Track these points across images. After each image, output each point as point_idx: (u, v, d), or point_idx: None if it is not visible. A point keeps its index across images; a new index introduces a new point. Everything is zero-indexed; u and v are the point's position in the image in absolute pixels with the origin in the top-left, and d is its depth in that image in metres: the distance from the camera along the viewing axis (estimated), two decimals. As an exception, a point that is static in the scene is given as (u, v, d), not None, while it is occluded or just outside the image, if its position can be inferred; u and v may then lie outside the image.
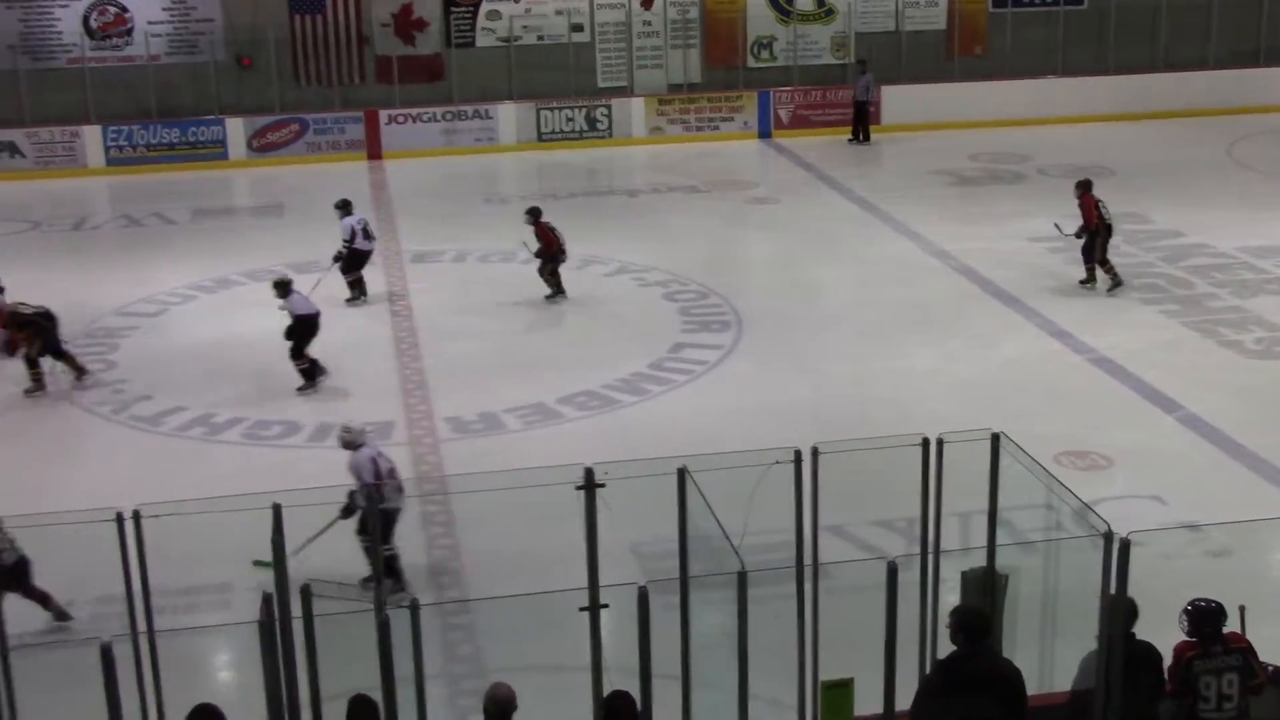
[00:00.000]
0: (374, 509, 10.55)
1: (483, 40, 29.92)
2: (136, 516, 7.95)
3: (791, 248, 22.14)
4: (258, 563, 11.20)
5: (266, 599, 7.23)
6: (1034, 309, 18.48)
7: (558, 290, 19.35)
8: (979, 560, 8.68)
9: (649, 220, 23.87)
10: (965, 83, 30.57)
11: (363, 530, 11.27)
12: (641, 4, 30.23)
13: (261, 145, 28.63)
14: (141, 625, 8.17)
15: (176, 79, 28.88)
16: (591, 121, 29.54)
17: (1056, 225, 18.97)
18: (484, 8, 29.77)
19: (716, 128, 29.95)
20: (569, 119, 29.48)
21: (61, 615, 11.24)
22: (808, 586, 8.54)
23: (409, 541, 11.99)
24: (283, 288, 16.47)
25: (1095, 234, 19.00)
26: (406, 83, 29.41)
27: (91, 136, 28.07)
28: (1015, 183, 25.74)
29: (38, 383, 16.40)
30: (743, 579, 7.04)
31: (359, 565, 7.91)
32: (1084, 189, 19.17)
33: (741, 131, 29.81)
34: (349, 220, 19.58)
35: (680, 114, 29.96)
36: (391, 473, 11.88)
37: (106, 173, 27.92)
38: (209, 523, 11.10)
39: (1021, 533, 10.37)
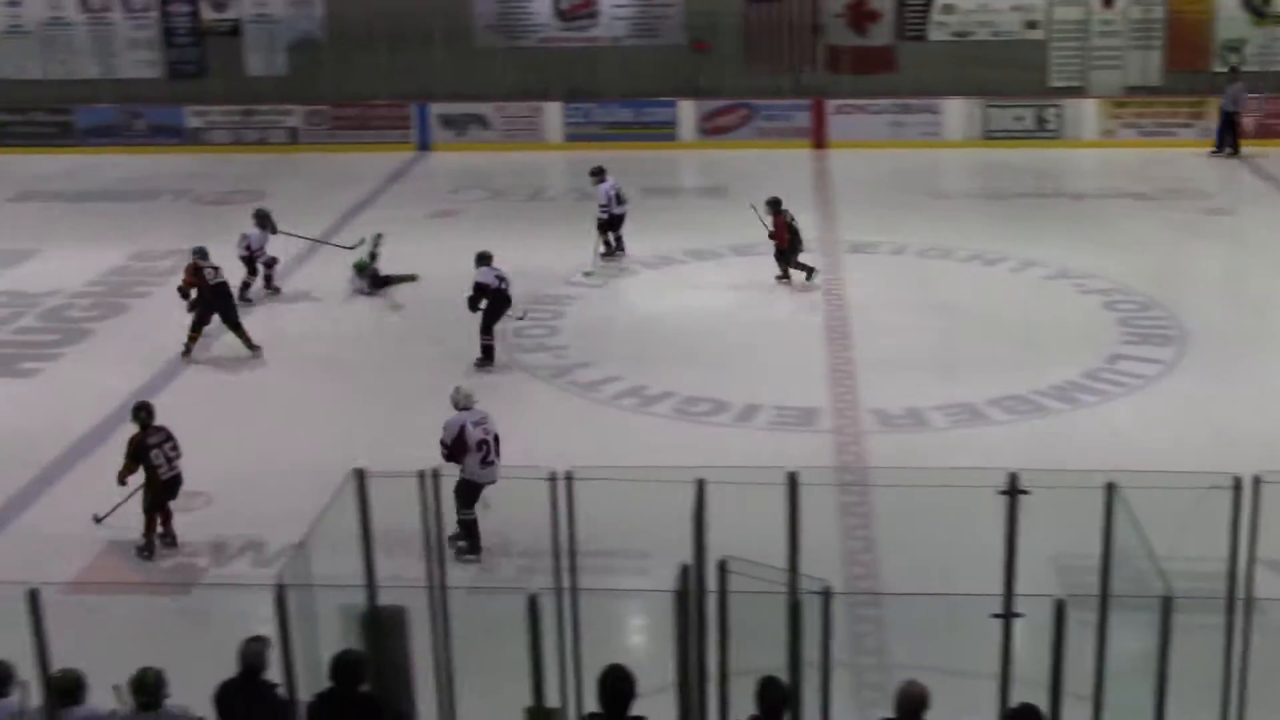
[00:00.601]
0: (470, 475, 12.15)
1: (934, 34, 29.62)
2: (569, 477, 8.32)
3: (1247, 263, 21.01)
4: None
5: (684, 570, 7.44)
6: None
7: (794, 276, 19.83)
8: None
9: (1093, 226, 23.11)
10: None
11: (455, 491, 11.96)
12: (1102, 3, 29.22)
13: (711, 128, 29.31)
14: (566, 582, 8.55)
15: (635, 60, 29.90)
16: (1041, 121, 28.80)
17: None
18: (938, 1, 29.47)
19: (1173, 134, 28.63)
20: (1017, 117, 28.85)
21: None
22: (1238, 620, 8.13)
23: (826, 529, 12.07)
24: (481, 259, 17.12)
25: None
26: (856, 73, 29.46)
27: (553, 113, 29.50)
28: None
29: (187, 348, 17.25)
30: (1167, 604, 6.78)
31: (776, 548, 8.07)
32: None
33: (1201, 139, 28.34)
34: (604, 186, 20.71)
35: (1136, 118, 28.83)
36: (481, 444, 12.26)
37: (563, 147, 29.23)
38: (635, 491, 11.50)
39: None
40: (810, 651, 7.11)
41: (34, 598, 6.93)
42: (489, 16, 30.19)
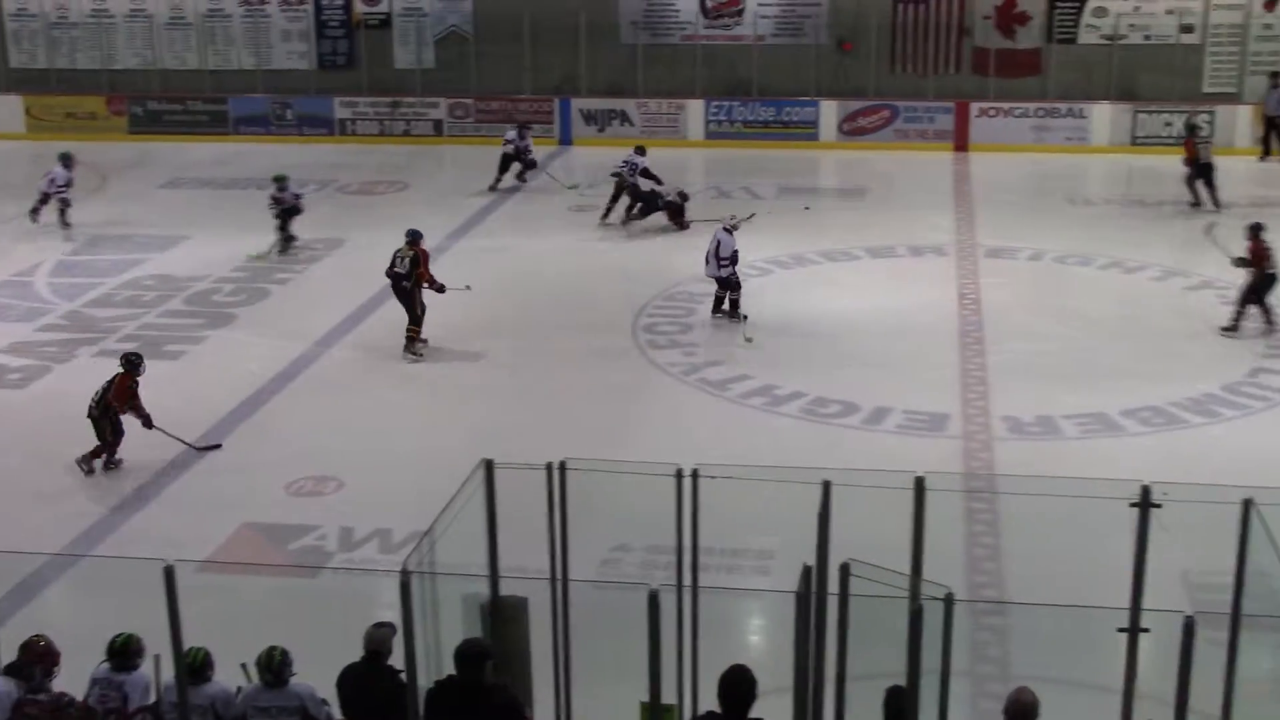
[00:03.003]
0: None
1: (1085, 37, 29.10)
2: (695, 475, 8.34)
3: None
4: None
5: (807, 571, 7.42)
6: None
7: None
8: None
9: (1242, 236, 22.50)
10: None
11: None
12: (1264, 6, 28.47)
13: (851, 129, 29.13)
14: (687, 579, 8.57)
15: (778, 59, 29.82)
16: (1192, 128, 28.14)
17: None
18: (1090, 4, 28.94)
19: (1333, 143, 27.82)
20: (1167, 124, 28.22)
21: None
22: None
23: (952, 535, 11.96)
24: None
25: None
26: (1002, 76, 29.07)
27: (694, 110, 29.54)
28: None
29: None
30: (1301, 625, 6.62)
31: (900, 552, 8.09)
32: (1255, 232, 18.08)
33: (1365, 150, 27.50)
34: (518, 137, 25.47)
35: (1292, 125, 28.04)
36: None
37: (704, 145, 29.24)
38: (760, 490, 11.49)
39: None
40: (930, 658, 7.05)
41: (169, 575, 7.12)
42: (634, 13, 30.31)
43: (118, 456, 14.11)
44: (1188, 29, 28.69)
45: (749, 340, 17.61)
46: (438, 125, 30.50)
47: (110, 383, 14.00)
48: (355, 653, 8.21)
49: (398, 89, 30.77)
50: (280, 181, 22.01)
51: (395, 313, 18.77)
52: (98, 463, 13.97)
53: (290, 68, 31.62)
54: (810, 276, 20.58)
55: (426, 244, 17.80)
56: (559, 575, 8.54)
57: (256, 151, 29.56)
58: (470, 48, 30.78)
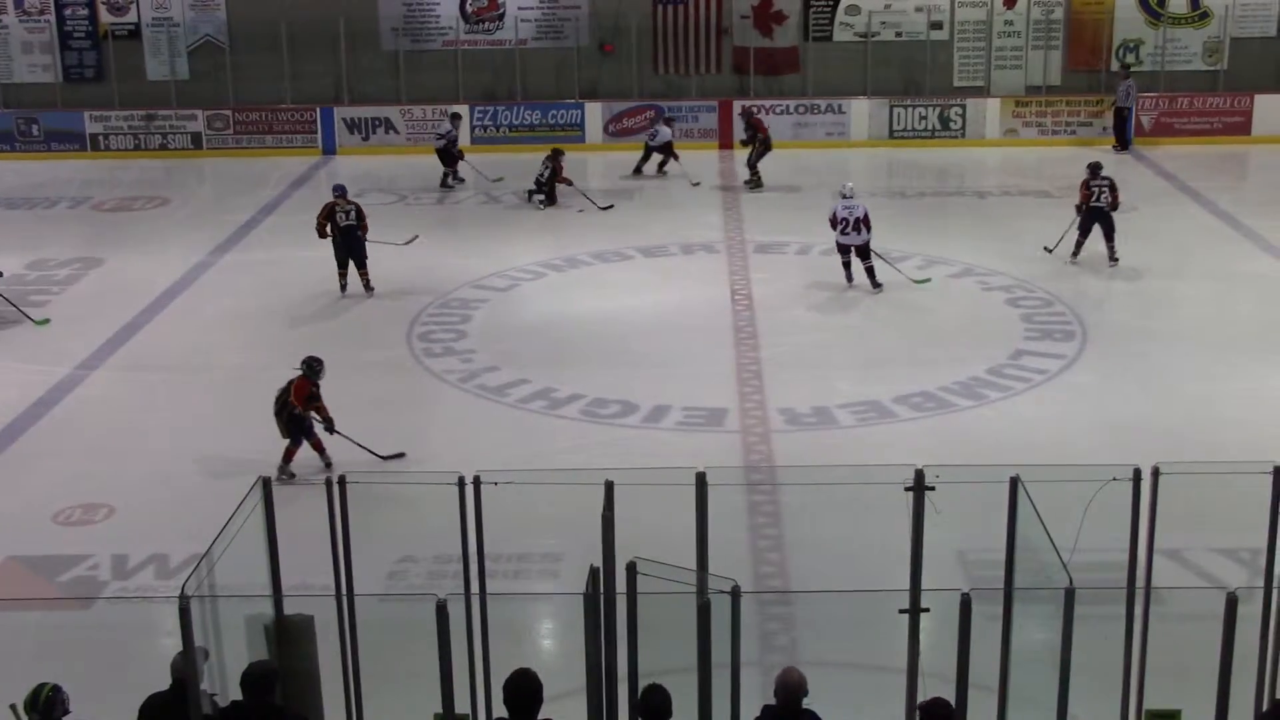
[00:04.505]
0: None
1: (840, 35, 29.83)
2: (477, 482, 8.29)
3: (1144, 259, 21.29)
4: None
5: (594, 572, 7.44)
6: None
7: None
8: (1328, 600, 8.22)
9: (997, 223, 23.39)
10: (1348, 94, 28.81)
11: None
12: (1004, 3, 29.58)
13: (617, 130, 29.33)
14: (474, 586, 8.52)
15: (541, 63, 29.87)
16: (945, 121, 29.11)
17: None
18: (844, 3, 29.67)
19: (1074, 132, 29.07)
20: (922, 117, 29.14)
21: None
22: (1138, 609, 8.27)
23: (735, 528, 12.12)
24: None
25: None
26: (762, 74, 29.64)
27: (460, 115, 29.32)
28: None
29: (342, 286, 19.47)
30: (1070, 595, 6.88)
31: (686, 547, 8.14)
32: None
33: (1100, 137, 28.77)
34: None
35: (1037, 117, 29.22)
36: (843, 220, 19.21)
37: (470, 150, 28.91)
38: (544, 493, 11.48)
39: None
40: (720, 651, 7.13)
41: (-73, 615, 6.80)
42: (395, 19, 29.99)
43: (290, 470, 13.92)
44: (937, 26, 29.64)
45: (928, 280, 19.66)
46: (196, 138, 29.68)
47: (290, 384, 13.92)
48: (135, 684, 7.94)
49: (151, 101, 29.83)
50: None
51: (161, 332, 18.30)
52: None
53: (34, 81, 30.39)
54: (583, 278, 20.65)
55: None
56: (344, 591, 8.41)
57: (1, 169, 28.41)
58: (226, 58, 30.04)
